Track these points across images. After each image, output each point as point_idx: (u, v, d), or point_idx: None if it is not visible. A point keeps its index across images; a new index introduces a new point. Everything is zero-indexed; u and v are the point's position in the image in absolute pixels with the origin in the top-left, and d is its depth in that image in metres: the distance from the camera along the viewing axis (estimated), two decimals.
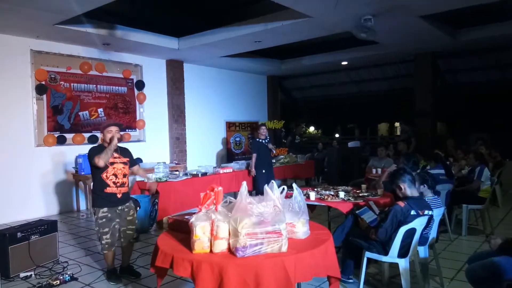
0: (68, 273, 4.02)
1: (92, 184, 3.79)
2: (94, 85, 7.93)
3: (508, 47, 9.80)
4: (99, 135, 7.75)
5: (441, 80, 11.67)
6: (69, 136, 7.50)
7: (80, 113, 7.72)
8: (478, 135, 9.99)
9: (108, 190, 3.72)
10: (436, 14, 6.71)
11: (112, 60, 8.18)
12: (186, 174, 6.62)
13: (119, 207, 3.80)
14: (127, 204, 3.90)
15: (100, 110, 8.03)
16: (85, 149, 7.51)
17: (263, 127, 7.36)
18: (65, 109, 7.49)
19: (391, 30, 7.23)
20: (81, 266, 4.33)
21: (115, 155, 3.79)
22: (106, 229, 3.72)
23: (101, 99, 8.05)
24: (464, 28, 8.15)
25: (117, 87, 8.33)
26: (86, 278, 4.01)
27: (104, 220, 3.71)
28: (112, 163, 3.75)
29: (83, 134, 7.72)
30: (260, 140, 7.24)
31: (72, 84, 7.57)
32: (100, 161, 3.61)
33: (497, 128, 12.28)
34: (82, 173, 7.21)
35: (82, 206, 7.54)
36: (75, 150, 7.49)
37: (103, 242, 3.75)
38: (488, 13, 7.52)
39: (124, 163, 3.85)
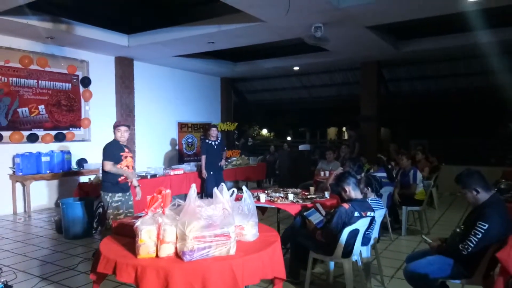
0: (2, 280, 3.73)
1: (105, 173, 4.29)
2: (35, 80, 7.46)
3: (443, 59, 10.61)
4: (39, 133, 7.38)
5: (384, 87, 12.31)
6: (6, 134, 6.99)
7: (19, 110, 7.23)
8: (417, 141, 10.67)
9: (121, 179, 4.29)
10: (381, 26, 7.09)
11: (56, 54, 7.74)
12: None
13: (127, 193, 4.41)
14: (130, 191, 4.51)
15: (41, 107, 7.56)
16: (24, 148, 7.07)
17: (214, 129, 7.26)
18: (2, 105, 6.97)
19: (340, 39, 7.52)
20: (17, 273, 4.06)
21: (126, 150, 4.37)
22: (121, 211, 4.28)
23: (42, 96, 7.59)
24: (405, 40, 8.70)
25: (60, 83, 7.89)
26: (22, 285, 3.77)
27: (119, 203, 4.27)
28: (125, 157, 4.34)
29: (22, 132, 7.22)
30: (210, 142, 7.10)
31: (10, 79, 7.07)
32: (109, 167, 4.16)
33: (434, 135, 13.22)
34: (20, 173, 6.75)
35: (20, 209, 7.07)
36: (12, 149, 7.00)
37: None
38: (426, 27, 8.08)
39: (131, 157, 4.50)
